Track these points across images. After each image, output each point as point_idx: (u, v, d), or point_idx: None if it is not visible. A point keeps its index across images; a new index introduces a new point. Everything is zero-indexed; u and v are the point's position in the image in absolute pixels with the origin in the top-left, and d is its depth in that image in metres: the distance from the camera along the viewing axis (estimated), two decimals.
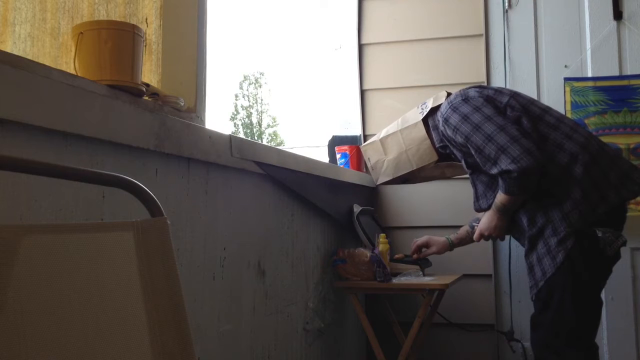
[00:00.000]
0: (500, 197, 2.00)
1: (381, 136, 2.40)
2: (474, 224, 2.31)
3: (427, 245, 2.49)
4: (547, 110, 2.05)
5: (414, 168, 2.32)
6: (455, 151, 2.15)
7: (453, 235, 2.45)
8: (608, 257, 1.91)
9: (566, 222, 1.89)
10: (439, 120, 2.14)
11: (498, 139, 1.90)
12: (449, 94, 2.18)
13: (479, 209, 2.18)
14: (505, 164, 1.87)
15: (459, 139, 2.01)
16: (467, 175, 2.24)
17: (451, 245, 2.45)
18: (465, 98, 2.04)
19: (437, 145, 2.22)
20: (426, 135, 2.24)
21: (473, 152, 1.98)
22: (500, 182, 1.94)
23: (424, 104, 2.28)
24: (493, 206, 2.06)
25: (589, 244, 1.89)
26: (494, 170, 1.92)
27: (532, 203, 1.97)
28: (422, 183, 2.87)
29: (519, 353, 2.75)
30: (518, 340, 2.74)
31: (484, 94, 2.03)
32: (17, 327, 0.73)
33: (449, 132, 2.06)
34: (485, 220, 2.12)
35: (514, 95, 2.06)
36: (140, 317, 0.80)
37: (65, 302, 0.77)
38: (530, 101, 2.07)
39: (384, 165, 2.40)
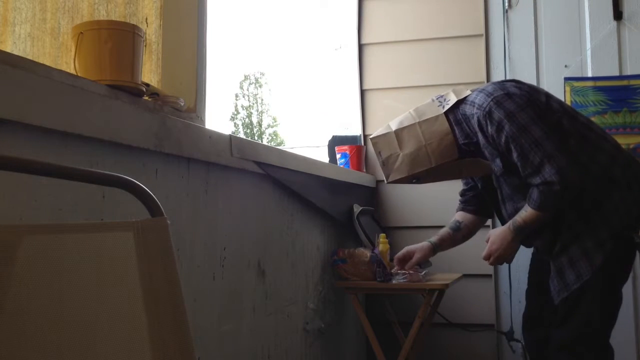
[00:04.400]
0: (525, 214, 1.89)
1: (394, 128, 2.15)
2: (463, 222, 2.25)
3: (408, 255, 2.31)
4: (576, 110, 2.01)
5: (433, 165, 2.07)
6: (486, 150, 1.97)
7: (434, 238, 2.30)
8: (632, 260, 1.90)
9: (606, 225, 1.84)
10: (465, 115, 1.99)
11: (546, 145, 1.80)
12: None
13: (500, 215, 2.08)
14: (549, 173, 1.78)
15: (502, 137, 1.86)
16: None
17: (435, 249, 2.29)
18: (507, 93, 1.90)
19: (462, 142, 2.04)
20: (449, 130, 2.03)
21: (515, 155, 1.85)
22: (536, 194, 1.83)
23: (441, 96, 2.12)
24: (511, 224, 1.94)
25: (626, 248, 1.85)
26: (536, 180, 1.82)
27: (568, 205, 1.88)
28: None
29: (518, 353, 2.75)
30: (518, 341, 2.74)
31: (524, 91, 1.92)
32: (17, 327, 0.73)
33: (490, 129, 1.89)
34: (498, 239, 1.98)
35: (548, 94, 1.98)
36: (140, 317, 0.80)
37: (65, 302, 0.77)
38: (561, 100, 2.02)
39: (397, 160, 2.13)
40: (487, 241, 2.04)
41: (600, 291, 1.86)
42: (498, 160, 1.95)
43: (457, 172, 2.19)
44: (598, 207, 1.86)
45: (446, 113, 2.05)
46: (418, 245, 2.30)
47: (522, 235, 1.94)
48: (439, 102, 2.09)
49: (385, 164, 2.15)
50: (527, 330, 2.16)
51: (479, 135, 1.96)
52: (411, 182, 2.19)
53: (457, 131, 2.04)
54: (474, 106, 1.95)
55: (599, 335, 1.89)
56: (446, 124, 2.03)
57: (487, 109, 1.89)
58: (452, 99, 2.05)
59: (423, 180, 2.20)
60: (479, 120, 1.92)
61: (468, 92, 2.03)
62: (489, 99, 1.90)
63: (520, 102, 1.87)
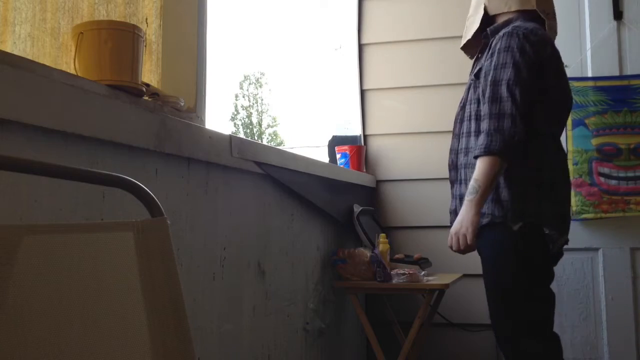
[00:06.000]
0: (475, 172, 1.82)
1: None
2: None
3: None
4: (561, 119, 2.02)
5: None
6: (484, 58, 1.98)
7: None
8: (552, 255, 1.92)
9: (501, 205, 1.86)
10: (512, 26, 1.95)
11: (522, 91, 1.81)
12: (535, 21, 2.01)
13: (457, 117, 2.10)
14: (505, 108, 1.80)
15: (497, 58, 1.88)
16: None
17: None
18: (539, 41, 1.89)
19: (488, 28, 2.06)
20: (501, 11, 2.05)
21: (490, 76, 1.87)
22: (481, 139, 1.82)
23: None
24: (467, 195, 1.85)
25: (536, 239, 1.87)
26: (485, 109, 1.84)
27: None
28: (421, 183, 2.87)
29: None
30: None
31: (551, 57, 1.93)
32: (17, 327, 0.73)
33: (498, 44, 1.90)
34: (458, 220, 1.88)
35: (565, 87, 1.99)
36: (140, 317, 0.80)
37: (65, 302, 0.77)
38: (564, 101, 2.01)
39: None
40: None
41: (522, 280, 1.88)
42: (479, 68, 2.00)
43: (466, 29, 2.22)
44: (497, 187, 1.86)
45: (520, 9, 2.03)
46: None
47: (482, 200, 1.83)
48: None
49: None
50: None
51: (492, 40, 1.98)
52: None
53: (498, 21, 2.05)
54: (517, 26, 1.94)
55: (535, 324, 1.90)
56: (505, 9, 2.03)
57: (514, 32, 1.89)
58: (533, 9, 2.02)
59: None
60: (501, 34, 1.93)
61: (533, 25, 1.97)
62: (526, 30, 1.89)
63: (536, 55, 1.87)
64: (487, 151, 1.80)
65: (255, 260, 1.77)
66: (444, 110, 2.94)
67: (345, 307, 2.59)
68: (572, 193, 2.71)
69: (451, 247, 1.92)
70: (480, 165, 1.82)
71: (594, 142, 2.71)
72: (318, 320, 2.28)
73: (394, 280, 2.32)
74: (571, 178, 2.70)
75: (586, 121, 2.70)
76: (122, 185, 0.86)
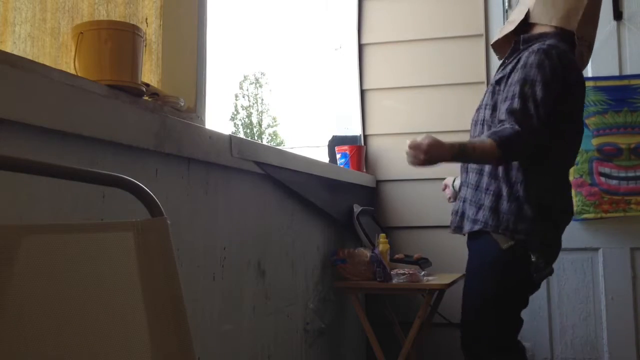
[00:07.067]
0: (480, 143, 1.79)
1: None
2: None
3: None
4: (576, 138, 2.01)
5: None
6: (511, 69, 1.94)
7: None
8: (532, 283, 1.93)
9: (496, 216, 1.88)
10: (541, 43, 1.91)
11: (542, 110, 1.79)
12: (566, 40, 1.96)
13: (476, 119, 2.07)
14: (533, 124, 1.79)
15: (528, 72, 1.84)
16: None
17: None
18: (568, 65, 1.87)
19: (523, 36, 2.00)
20: (533, 21, 1.99)
21: (514, 89, 1.84)
22: (508, 131, 1.78)
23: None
24: (458, 145, 1.80)
25: (521, 263, 1.87)
26: (518, 116, 1.79)
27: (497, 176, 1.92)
28: (421, 183, 2.87)
29: None
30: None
31: (576, 82, 1.91)
32: (17, 327, 0.73)
33: (528, 59, 1.86)
34: (438, 149, 1.78)
35: (578, 107, 1.96)
36: (140, 317, 0.80)
37: (65, 302, 0.77)
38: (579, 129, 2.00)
39: None
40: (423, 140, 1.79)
41: (497, 301, 1.93)
42: (502, 75, 1.97)
43: (502, 28, 2.16)
44: (498, 197, 1.89)
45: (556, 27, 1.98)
46: None
47: (458, 160, 1.86)
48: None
49: None
50: None
51: (521, 53, 1.95)
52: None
53: (534, 31, 2.01)
54: (549, 45, 1.89)
55: (500, 339, 1.95)
56: (546, 21, 1.98)
57: (549, 50, 1.85)
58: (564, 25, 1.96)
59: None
60: (535, 49, 1.88)
61: (556, 42, 1.92)
62: (559, 51, 1.86)
63: (565, 78, 1.85)
64: (504, 148, 1.77)
65: (255, 260, 1.77)
66: (444, 110, 2.94)
67: (345, 307, 2.59)
68: (573, 193, 2.71)
69: (416, 152, 1.81)
70: (488, 149, 1.77)
71: (595, 142, 2.71)
72: (318, 320, 2.28)
73: (394, 280, 2.31)
74: (572, 178, 2.71)
75: (586, 121, 2.70)
76: (122, 185, 0.85)
